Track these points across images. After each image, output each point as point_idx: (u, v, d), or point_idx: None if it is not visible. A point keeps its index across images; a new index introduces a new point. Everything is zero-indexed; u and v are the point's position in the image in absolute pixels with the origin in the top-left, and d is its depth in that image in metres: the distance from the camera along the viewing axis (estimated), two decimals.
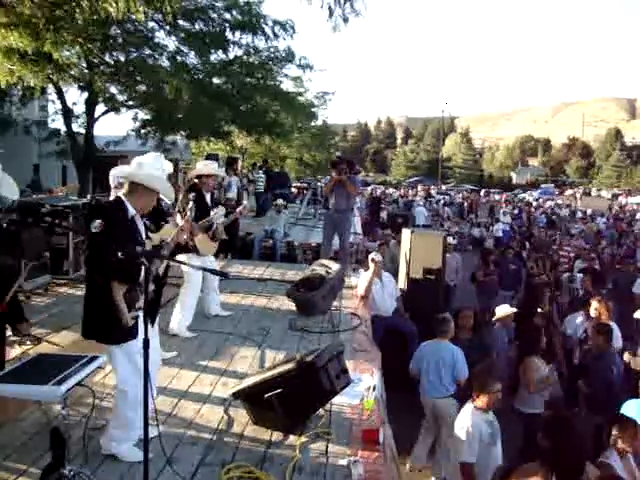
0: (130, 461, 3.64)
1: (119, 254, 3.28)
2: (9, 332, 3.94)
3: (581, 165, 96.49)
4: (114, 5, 6.78)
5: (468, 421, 4.69)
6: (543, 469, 3.49)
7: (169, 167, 5.51)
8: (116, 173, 3.79)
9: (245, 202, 8.90)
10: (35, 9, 7.03)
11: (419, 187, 54.76)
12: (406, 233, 9.83)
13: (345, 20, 7.33)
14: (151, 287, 3.49)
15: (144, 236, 3.82)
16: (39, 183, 19.63)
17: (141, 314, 3.68)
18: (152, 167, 3.77)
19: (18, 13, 7.05)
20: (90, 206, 4.30)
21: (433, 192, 47.55)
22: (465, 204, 35.36)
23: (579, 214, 32.99)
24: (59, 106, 16.18)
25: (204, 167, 6.63)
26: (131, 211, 3.67)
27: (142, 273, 3.43)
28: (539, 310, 8.71)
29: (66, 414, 3.03)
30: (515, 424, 6.15)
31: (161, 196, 5.26)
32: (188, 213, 5.22)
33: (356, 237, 15.60)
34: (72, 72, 11.11)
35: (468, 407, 4.82)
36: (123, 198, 3.68)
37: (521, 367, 6.39)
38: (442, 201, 38.21)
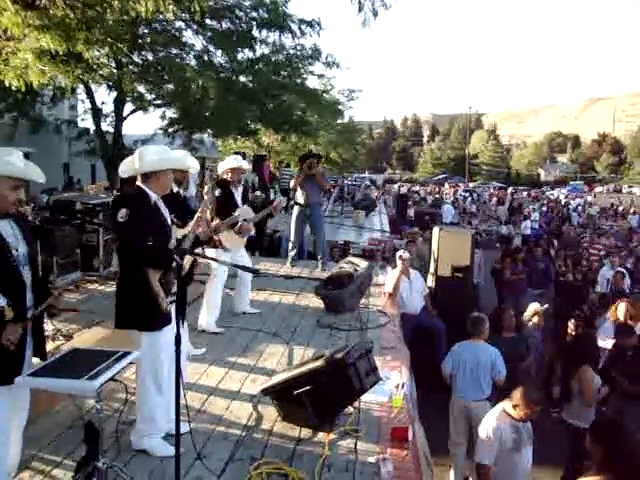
0: (161, 456, 3.68)
1: (149, 241, 3.33)
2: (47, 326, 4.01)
3: (612, 162, 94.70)
4: (144, 5, 6.83)
5: (492, 423, 4.63)
6: (603, 477, 3.40)
7: (195, 165, 5.56)
8: (124, 170, 3.81)
9: (280, 198, 8.90)
10: (68, 10, 7.11)
11: (446, 184, 54.40)
12: (434, 231, 9.79)
13: (375, 14, 7.24)
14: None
15: (169, 220, 3.89)
16: (73, 182, 20.02)
17: (173, 306, 3.72)
18: (154, 151, 3.79)
19: (51, 15, 7.14)
20: (114, 198, 4.37)
21: (450, 191, 46.35)
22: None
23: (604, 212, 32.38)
24: (88, 105, 16.44)
25: (232, 161, 6.66)
26: (153, 196, 3.73)
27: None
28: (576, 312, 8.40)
29: (100, 408, 3.07)
30: (556, 435, 5.88)
31: (190, 171, 5.34)
32: (205, 197, 5.18)
33: (383, 235, 15.59)
34: (101, 72, 11.24)
35: (498, 408, 4.74)
36: (142, 186, 3.73)
37: (576, 378, 6.02)
38: (469, 199, 37.82)
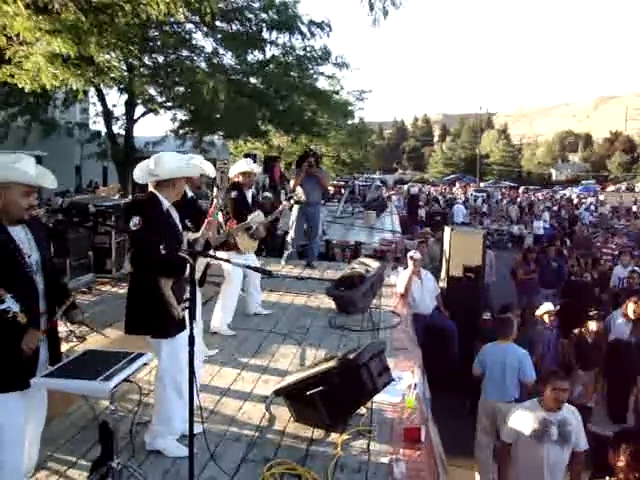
0: (175, 456, 3.70)
1: (162, 249, 3.34)
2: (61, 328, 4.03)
3: (624, 160, 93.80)
4: (155, 7, 6.89)
5: (520, 408, 4.72)
6: None
7: (211, 169, 5.57)
8: (140, 175, 3.80)
9: (285, 202, 8.92)
10: (79, 14, 7.18)
11: (457, 184, 54.17)
12: (446, 231, 9.79)
13: (385, 13, 7.27)
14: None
15: (180, 226, 3.89)
16: (91, 184, 20.17)
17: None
18: (171, 159, 3.79)
19: (62, 20, 7.20)
20: (127, 204, 4.39)
21: (460, 191, 45.80)
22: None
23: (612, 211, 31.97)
24: (100, 108, 16.50)
25: (243, 164, 6.69)
26: (165, 204, 3.74)
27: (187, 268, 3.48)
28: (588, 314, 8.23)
29: (114, 409, 3.09)
30: None
31: (209, 173, 5.34)
32: (215, 201, 5.19)
33: (395, 235, 15.58)
34: (112, 75, 11.29)
35: (532, 399, 4.79)
36: (155, 192, 3.73)
37: (635, 391, 5.98)
38: (480, 199, 37.55)
